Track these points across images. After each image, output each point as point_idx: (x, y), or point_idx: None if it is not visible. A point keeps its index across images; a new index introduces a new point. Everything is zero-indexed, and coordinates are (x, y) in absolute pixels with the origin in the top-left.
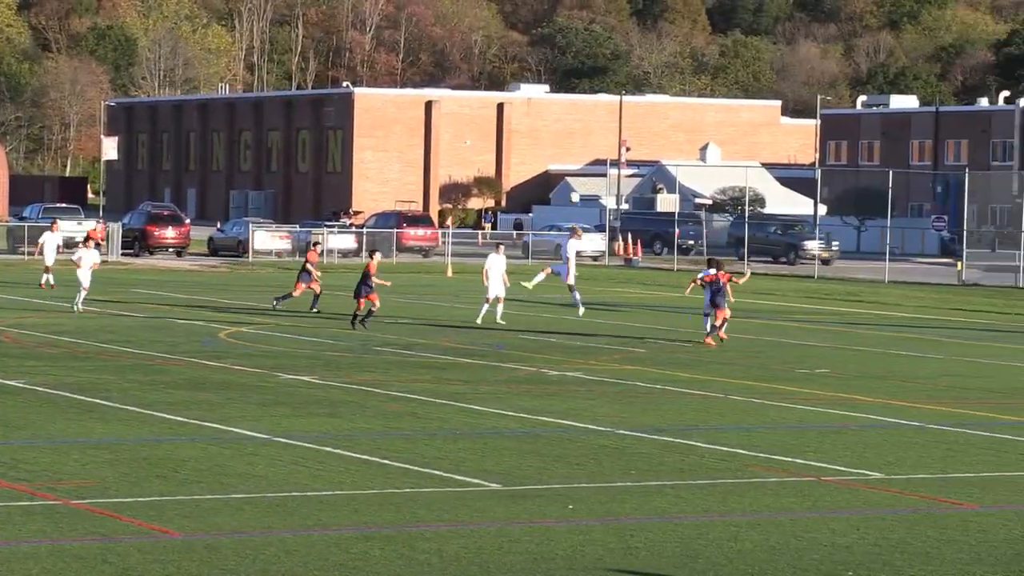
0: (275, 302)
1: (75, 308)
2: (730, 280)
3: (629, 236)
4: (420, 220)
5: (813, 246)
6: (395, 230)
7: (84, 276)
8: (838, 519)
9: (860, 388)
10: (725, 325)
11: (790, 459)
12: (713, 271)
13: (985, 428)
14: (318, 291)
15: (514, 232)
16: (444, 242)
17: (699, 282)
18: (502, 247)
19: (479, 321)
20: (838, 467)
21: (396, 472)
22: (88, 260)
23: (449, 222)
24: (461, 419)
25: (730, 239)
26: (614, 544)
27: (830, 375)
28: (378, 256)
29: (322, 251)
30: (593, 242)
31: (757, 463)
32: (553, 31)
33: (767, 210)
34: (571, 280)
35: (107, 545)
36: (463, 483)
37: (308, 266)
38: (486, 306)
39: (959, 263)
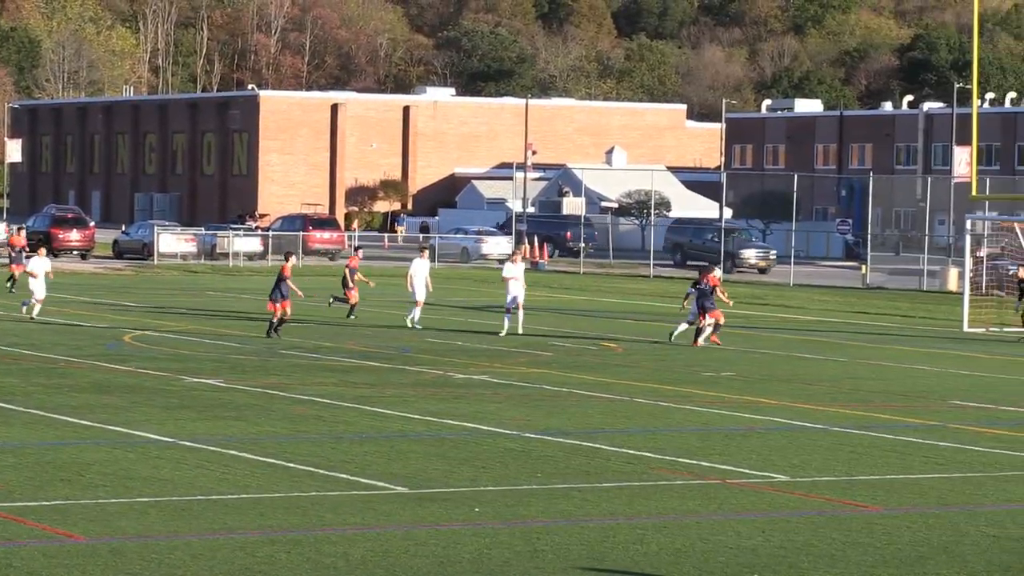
0: (332, 300)
1: (28, 314)
2: (719, 284)
3: (536, 239)
4: (326, 223)
5: (751, 254)
6: (301, 233)
7: (37, 286)
8: (744, 521)
9: (765, 391)
10: (719, 329)
11: (696, 462)
12: (702, 283)
13: (889, 431)
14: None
15: (420, 235)
16: (350, 245)
17: (689, 298)
18: (427, 251)
19: (409, 324)
20: (743, 470)
21: (302, 475)
22: (40, 268)
23: (355, 225)
24: (367, 422)
25: (667, 243)
26: (520, 547)
27: (735, 378)
28: (293, 259)
29: (228, 253)
30: (499, 245)
31: (663, 466)
32: (459, 34)
33: (672, 213)
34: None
35: (11, 549)
36: (369, 486)
37: (346, 272)
38: (416, 310)
39: (863, 266)
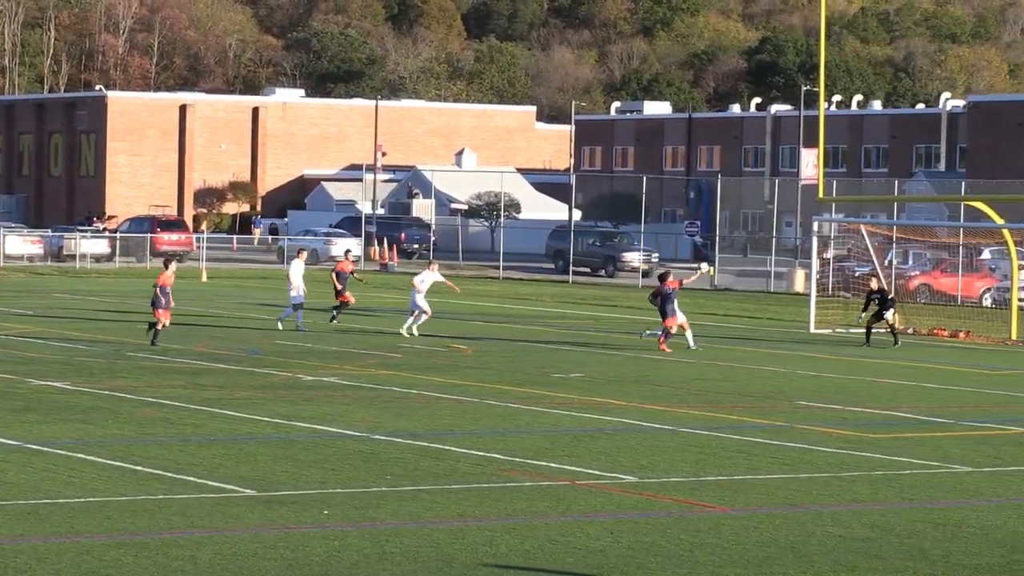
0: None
1: None
2: (681, 286)
3: (385, 241)
4: (174, 225)
5: (633, 257)
6: (149, 235)
7: None
8: (592, 523)
9: (614, 392)
10: (688, 332)
11: (545, 463)
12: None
13: (736, 431)
14: (351, 301)
15: (270, 237)
16: (199, 247)
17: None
18: (436, 264)
19: (404, 332)
20: (592, 471)
21: (149, 479)
22: None
23: (204, 227)
24: (215, 425)
25: (548, 250)
26: (369, 549)
27: (585, 379)
28: (174, 265)
29: (75, 255)
30: (349, 247)
31: (512, 467)
32: (308, 35)
33: (522, 216)
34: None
35: None
36: (218, 489)
37: (333, 276)
38: (411, 319)
39: (711, 268)
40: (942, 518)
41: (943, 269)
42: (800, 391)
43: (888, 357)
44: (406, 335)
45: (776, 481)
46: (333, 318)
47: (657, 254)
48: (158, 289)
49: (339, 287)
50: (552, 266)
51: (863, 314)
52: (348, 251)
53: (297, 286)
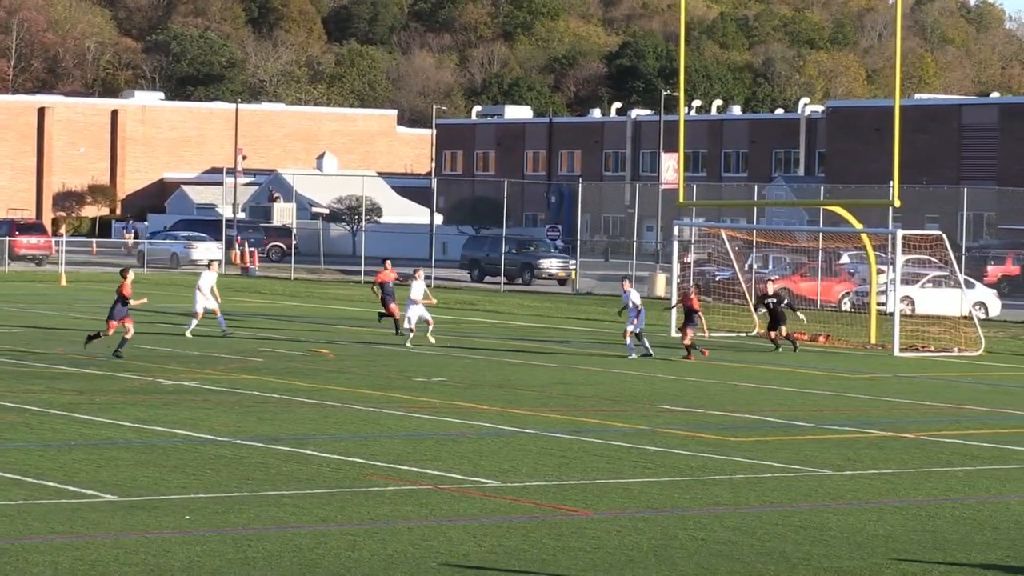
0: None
1: None
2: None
3: (246, 245)
4: (33, 228)
5: (549, 264)
6: (7, 238)
7: None
8: (455, 527)
9: (476, 396)
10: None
11: (407, 467)
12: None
13: (598, 435)
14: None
15: (130, 241)
16: (58, 251)
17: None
18: (421, 272)
19: (409, 345)
20: (455, 475)
21: (8, 484)
22: None
23: (62, 230)
24: (75, 430)
25: (463, 260)
26: (231, 554)
27: (447, 383)
28: (132, 274)
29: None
30: (209, 251)
31: (374, 472)
32: (168, 38)
33: (384, 220)
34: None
35: None
36: (78, 494)
37: (376, 288)
38: (410, 331)
39: (572, 272)
40: (803, 521)
41: (803, 273)
42: (662, 395)
43: (749, 361)
44: (410, 347)
45: (638, 485)
46: (397, 331)
47: (574, 261)
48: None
49: (383, 298)
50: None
51: (760, 313)
52: (387, 260)
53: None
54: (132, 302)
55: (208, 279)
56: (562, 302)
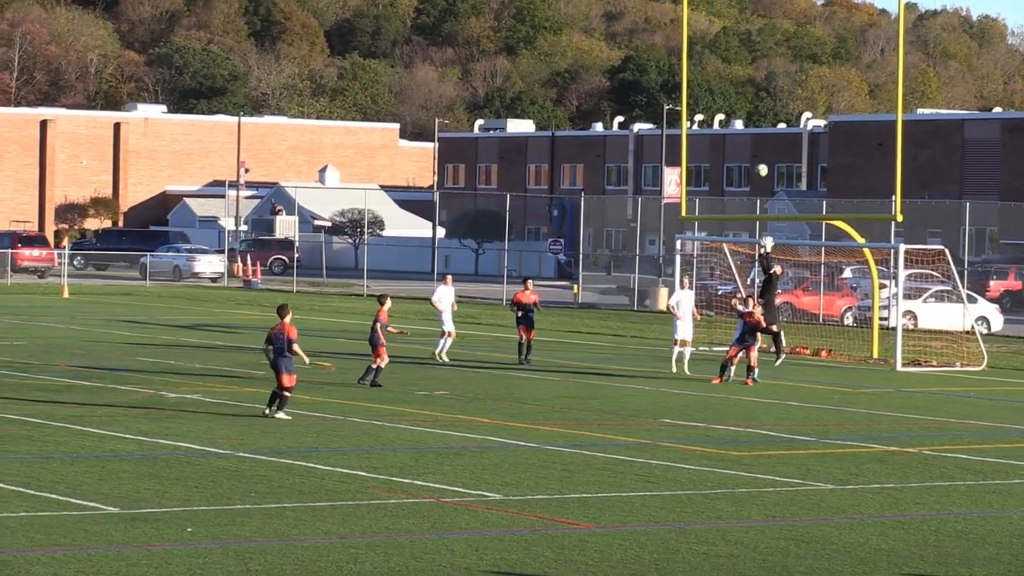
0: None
1: None
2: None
3: (248, 258)
4: (35, 240)
5: None
6: (10, 251)
7: None
8: (457, 540)
9: (479, 410)
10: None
11: (409, 481)
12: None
13: (601, 449)
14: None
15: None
16: (60, 263)
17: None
18: (450, 278)
19: (438, 358)
20: (457, 488)
21: (10, 496)
22: None
23: (65, 242)
24: (78, 442)
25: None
26: (233, 567)
27: (449, 397)
28: (389, 302)
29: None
30: (212, 264)
31: (377, 485)
32: (171, 51)
33: (386, 233)
34: None
35: None
36: (80, 507)
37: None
38: (442, 340)
39: (575, 286)
40: (805, 535)
41: (805, 288)
42: (664, 409)
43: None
44: (439, 360)
45: (640, 498)
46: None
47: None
48: (377, 325)
49: (519, 314)
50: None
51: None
52: (528, 279)
53: (445, 315)
54: (390, 329)
55: (447, 294)
56: (564, 315)
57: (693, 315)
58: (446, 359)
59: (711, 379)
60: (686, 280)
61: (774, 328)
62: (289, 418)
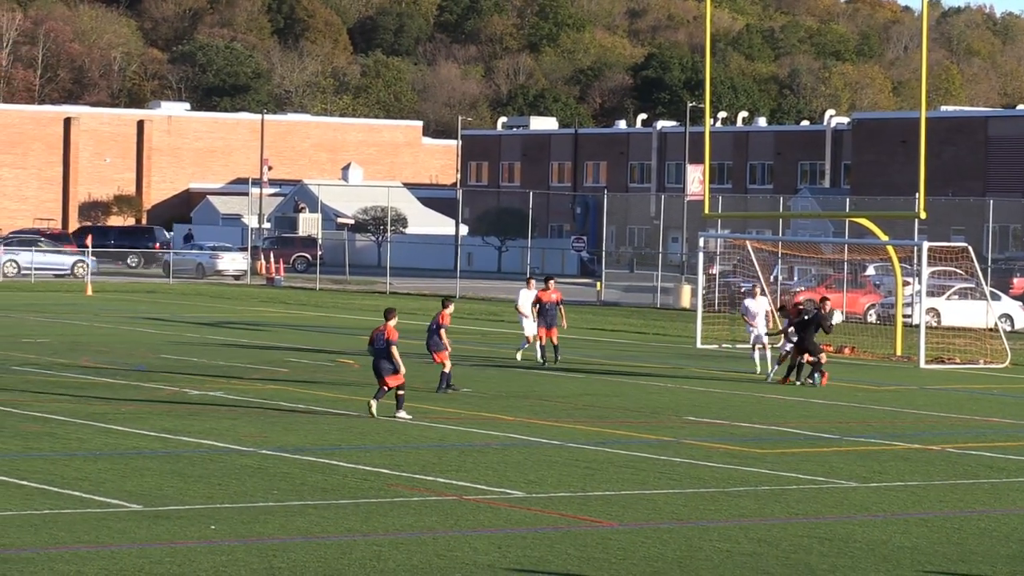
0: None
1: None
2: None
3: (272, 256)
4: (59, 238)
5: None
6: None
7: None
8: (480, 538)
9: (502, 407)
10: (818, 368)
11: (433, 478)
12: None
13: (624, 447)
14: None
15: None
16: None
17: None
18: (533, 281)
19: (519, 358)
20: (480, 486)
21: (34, 493)
22: None
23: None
24: (101, 439)
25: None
26: (256, 565)
27: (473, 394)
28: (452, 306)
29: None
30: (235, 261)
31: (400, 482)
32: (194, 49)
33: (409, 230)
34: None
35: None
36: (103, 504)
37: (534, 310)
38: (527, 344)
39: (598, 283)
40: (828, 533)
41: (828, 285)
42: (687, 406)
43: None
44: (518, 359)
45: (663, 496)
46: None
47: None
48: (441, 330)
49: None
50: None
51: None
52: (550, 278)
53: (526, 319)
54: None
55: (528, 297)
56: (587, 313)
57: (767, 317)
58: (519, 358)
59: (777, 380)
60: (756, 289)
61: (823, 358)
62: (410, 417)
